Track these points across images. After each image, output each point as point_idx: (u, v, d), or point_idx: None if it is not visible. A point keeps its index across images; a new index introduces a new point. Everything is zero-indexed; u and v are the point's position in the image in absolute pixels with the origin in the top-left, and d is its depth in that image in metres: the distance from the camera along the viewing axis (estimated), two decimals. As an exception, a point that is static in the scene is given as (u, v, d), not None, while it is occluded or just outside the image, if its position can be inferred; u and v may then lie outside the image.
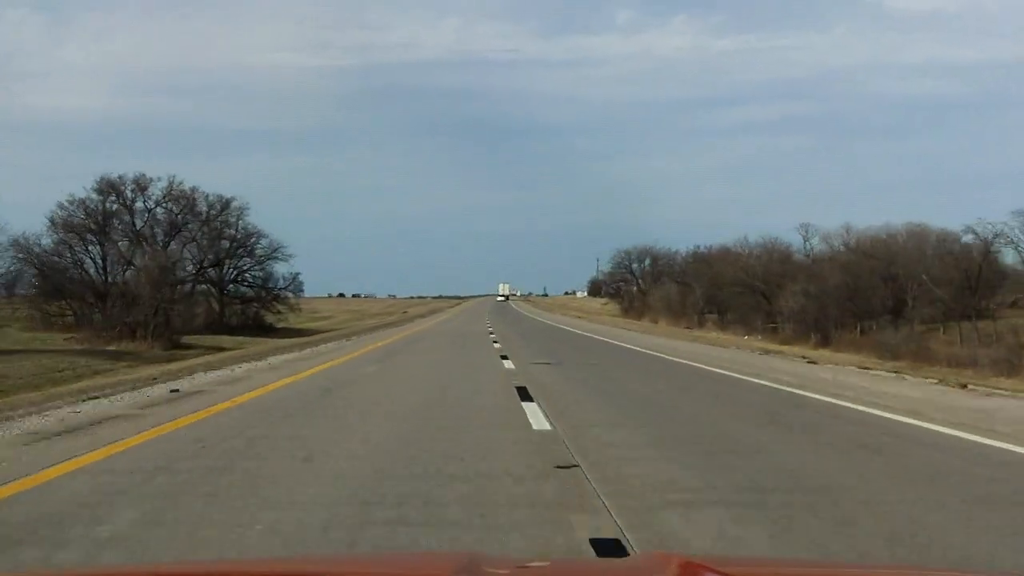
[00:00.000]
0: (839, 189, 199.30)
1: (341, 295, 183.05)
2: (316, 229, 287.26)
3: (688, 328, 49.53)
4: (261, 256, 57.26)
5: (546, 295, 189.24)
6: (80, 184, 59.18)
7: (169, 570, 3.23)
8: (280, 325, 55.46)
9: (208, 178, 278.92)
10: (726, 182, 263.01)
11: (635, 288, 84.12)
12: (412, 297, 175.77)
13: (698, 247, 76.74)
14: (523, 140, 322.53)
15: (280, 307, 56.86)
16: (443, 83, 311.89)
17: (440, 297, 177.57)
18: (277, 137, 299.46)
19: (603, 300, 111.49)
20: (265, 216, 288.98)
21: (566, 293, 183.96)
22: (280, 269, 57.98)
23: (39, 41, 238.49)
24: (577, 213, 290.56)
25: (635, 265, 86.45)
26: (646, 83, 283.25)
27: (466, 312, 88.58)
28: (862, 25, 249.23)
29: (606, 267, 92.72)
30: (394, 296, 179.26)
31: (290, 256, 57.62)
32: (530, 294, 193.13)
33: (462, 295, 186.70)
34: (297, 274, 58.84)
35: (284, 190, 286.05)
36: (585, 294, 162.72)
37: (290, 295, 58.48)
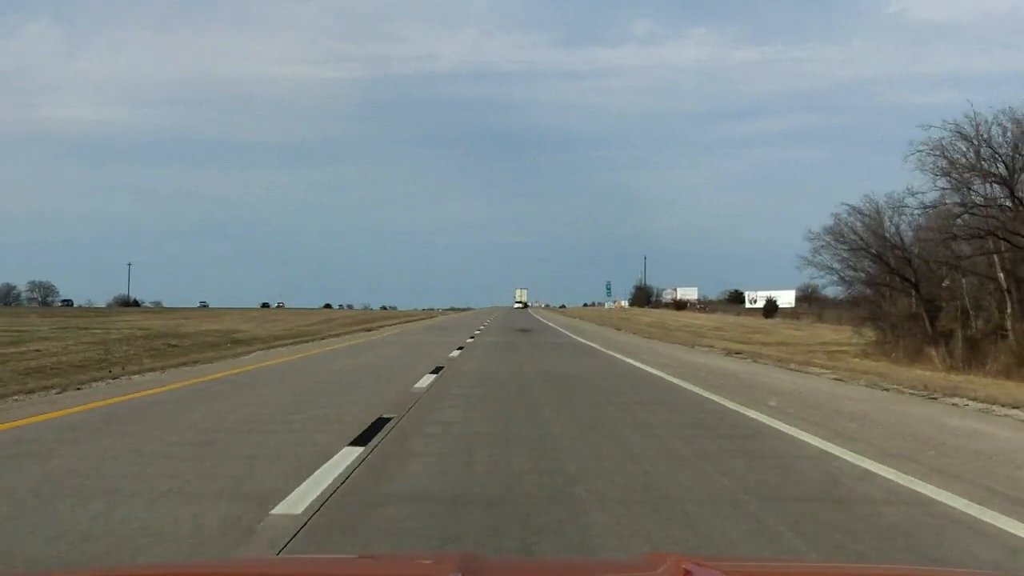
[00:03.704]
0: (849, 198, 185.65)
1: (328, 305, 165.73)
2: (322, 240, 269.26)
3: None
4: None
5: (564, 305, 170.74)
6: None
7: (169, 570, 3.07)
8: None
9: (219, 190, 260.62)
10: (742, 192, 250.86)
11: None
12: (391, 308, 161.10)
13: None
14: (538, 151, 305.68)
15: None
16: (458, 94, 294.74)
17: (452, 308, 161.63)
18: (288, 149, 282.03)
19: (774, 314, 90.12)
20: (277, 229, 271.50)
21: (585, 305, 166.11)
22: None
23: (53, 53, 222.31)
24: (593, 224, 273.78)
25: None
26: (663, 94, 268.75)
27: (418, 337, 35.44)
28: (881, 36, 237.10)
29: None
30: (356, 306, 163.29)
31: None
32: (547, 305, 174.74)
33: (475, 307, 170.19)
34: None
35: (295, 202, 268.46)
36: (625, 304, 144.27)
37: None
